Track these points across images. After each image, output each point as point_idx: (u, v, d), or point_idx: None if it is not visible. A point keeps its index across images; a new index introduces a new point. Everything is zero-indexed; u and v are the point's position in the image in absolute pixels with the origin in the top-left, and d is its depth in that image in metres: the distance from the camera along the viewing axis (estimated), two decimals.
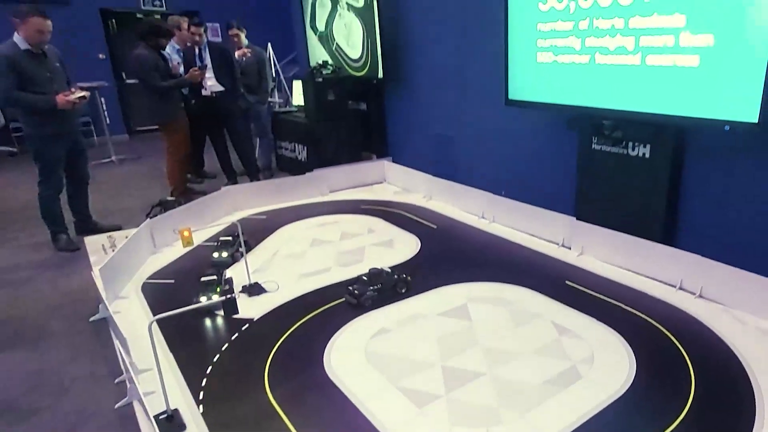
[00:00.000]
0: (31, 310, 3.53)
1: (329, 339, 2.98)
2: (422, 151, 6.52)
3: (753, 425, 2.19)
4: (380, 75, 6.58)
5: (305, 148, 6.90)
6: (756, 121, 2.86)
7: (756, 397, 2.36)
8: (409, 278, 3.53)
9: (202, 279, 3.51)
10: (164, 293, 3.64)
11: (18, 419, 2.43)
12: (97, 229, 4.93)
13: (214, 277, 3.52)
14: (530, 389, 2.48)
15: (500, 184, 5.08)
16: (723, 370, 2.58)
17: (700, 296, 3.27)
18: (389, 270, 3.52)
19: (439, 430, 2.24)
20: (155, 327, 3.08)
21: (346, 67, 7.25)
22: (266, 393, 2.51)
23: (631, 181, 3.81)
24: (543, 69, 4.17)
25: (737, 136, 3.17)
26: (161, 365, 2.22)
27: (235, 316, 3.13)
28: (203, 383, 2.60)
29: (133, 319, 3.26)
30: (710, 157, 3.45)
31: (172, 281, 3.84)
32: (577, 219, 4.10)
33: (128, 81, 10.52)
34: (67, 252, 4.53)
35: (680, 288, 3.38)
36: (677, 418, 2.25)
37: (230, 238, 4.22)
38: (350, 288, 3.40)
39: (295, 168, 6.99)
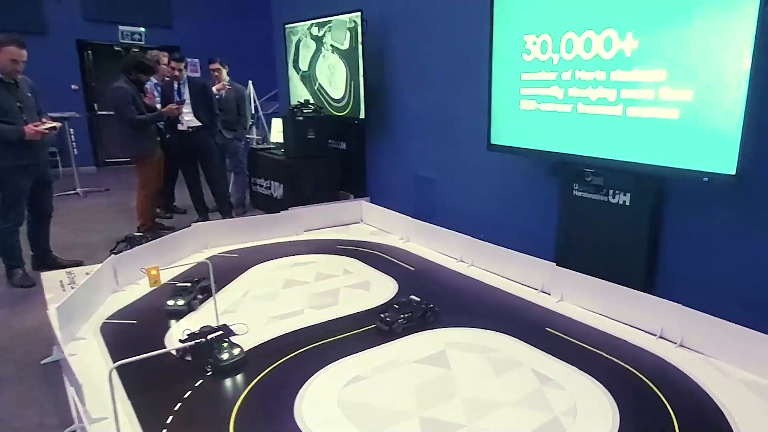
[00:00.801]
0: None
1: (300, 387, 2.87)
2: (401, 192, 6.57)
3: None
4: (362, 116, 6.68)
5: (281, 185, 6.87)
6: (734, 173, 2.96)
7: None
8: (437, 309, 3.64)
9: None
10: (125, 335, 3.49)
11: None
12: (56, 265, 4.75)
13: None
14: None
15: (480, 228, 5.11)
16: (707, 422, 2.56)
17: (681, 345, 3.29)
18: (418, 299, 3.69)
19: None
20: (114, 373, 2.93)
21: (328, 106, 7.34)
22: None
23: (612, 229, 3.88)
24: (526, 116, 4.29)
25: (715, 187, 3.28)
26: (118, 414, 2.09)
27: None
28: None
29: (90, 363, 3.09)
30: (690, 207, 3.55)
31: (134, 321, 3.69)
32: (557, 265, 4.13)
33: (100, 112, 10.45)
34: (21, 288, 4.34)
35: (660, 337, 3.39)
36: None
37: (188, 284, 3.96)
38: (382, 315, 3.51)
39: (270, 205, 6.94)
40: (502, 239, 4.74)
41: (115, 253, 4.43)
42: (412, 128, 6.29)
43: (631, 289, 3.62)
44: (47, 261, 4.73)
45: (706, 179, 3.12)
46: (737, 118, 2.93)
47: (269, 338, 3.43)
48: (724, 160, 3.04)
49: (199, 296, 3.94)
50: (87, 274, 4.55)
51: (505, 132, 4.54)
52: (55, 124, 4.53)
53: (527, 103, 4.29)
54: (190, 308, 3.84)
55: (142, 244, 4.79)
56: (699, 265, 3.55)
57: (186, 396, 2.76)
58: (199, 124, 6.34)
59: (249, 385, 2.88)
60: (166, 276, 4.20)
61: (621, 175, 3.71)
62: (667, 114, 3.30)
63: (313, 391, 2.83)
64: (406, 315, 3.52)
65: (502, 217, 5.10)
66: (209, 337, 3.12)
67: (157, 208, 6.47)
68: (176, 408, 2.66)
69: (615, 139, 3.64)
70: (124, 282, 4.32)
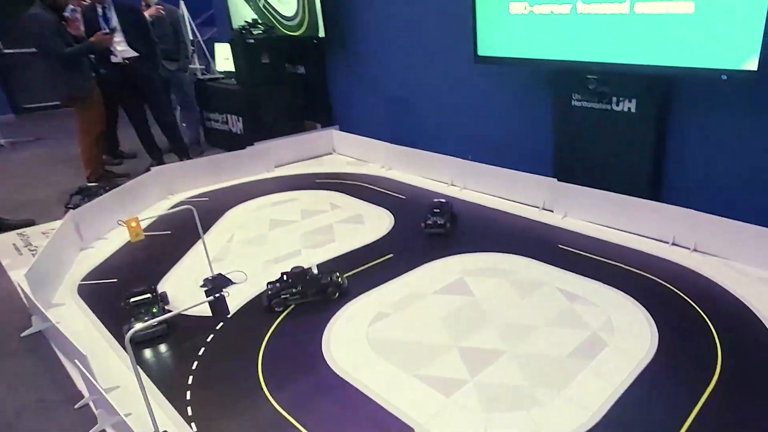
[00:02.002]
0: None
1: (322, 331, 2.77)
2: (375, 117, 6.31)
3: None
4: (321, 34, 6.24)
5: (240, 119, 6.45)
6: (756, 68, 2.93)
7: None
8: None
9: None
10: (108, 296, 3.24)
11: None
12: (4, 227, 4.32)
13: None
14: (558, 363, 2.43)
15: (468, 149, 5.00)
16: (737, 320, 2.66)
17: (696, 250, 3.38)
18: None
19: (476, 417, 2.13)
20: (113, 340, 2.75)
21: (279, 26, 6.82)
22: (269, 400, 2.27)
23: (615, 138, 3.86)
24: (517, 21, 4.09)
25: (729, 87, 3.26)
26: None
27: (204, 314, 2.83)
28: (188, 396, 2.31)
29: (77, 330, 2.85)
30: (698, 110, 3.54)
31: (115, 280, 3.43)
32: (558, 180, 4.11)
33: (7, 51, 9.35)
34: None
35: (674, 244, 3.48)
36: (715, 370, 2.30)
37: (148, 296, 2.94)
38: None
39: (229, 142, 6.54)
40: (494, 159, 4.66)
41: (72, 208, 4.05)
42: (380, 44, 5.93)
43: (638, 198, 3.66)
44: None
45: (725, 77, 3.08)
46: (760, 7, 2.85)
47: None
48: (744, 56, 2.99)
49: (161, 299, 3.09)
50: (43, 234, 4.22)
51: (493, 41, 4.34)
52: None
53: (517, 6, 4.07)
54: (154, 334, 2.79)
55: (99, 195, 4.41)
56: (706, 170, 3.61)
57: (200, 353, 2.61)
58: (136, 54, 5.74)
59: (266, 335, 2.75)
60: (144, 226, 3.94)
61: (628, 80, 3.64)
62: (680, 8, 3.19)
63: (337, 334, 2.74)
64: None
65: (492, 135, 4.99)
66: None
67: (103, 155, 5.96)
68: (193, 367, 2.51)
69: (621, 41, 3.53)
70: (91, 237, 4.00)
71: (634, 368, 2.36)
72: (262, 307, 2.95)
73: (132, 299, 2.86)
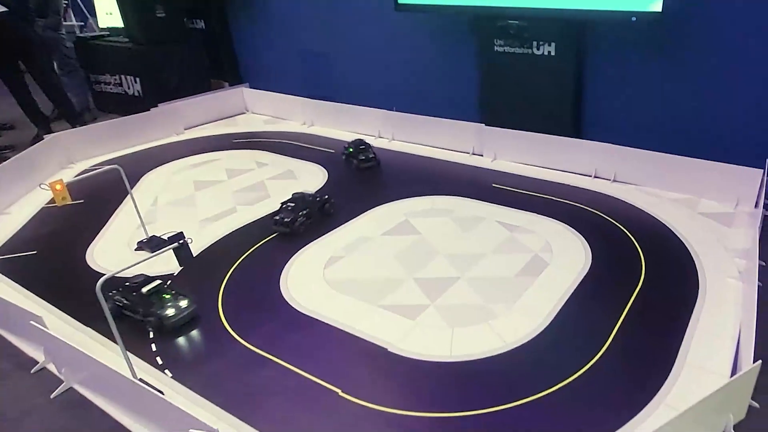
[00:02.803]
0: None
1: (278, 278, 2.97)
2: (289, 72, 6.39)
3: (694, 265, 2.83)
4: None
5: (137, 79, 6.26)
6: (660, 10, 3.44)
7: (687, 246, 3.05)
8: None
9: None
10: (31, 268, 3.21)
11: None
12: None
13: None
14: (507, 282, 2.82)
15: (391, 101, 5.28)
16: (652, 232, 3.21)
17: (615, 180, 3.93)
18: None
19: (442, 333, 2.46)
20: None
21: None
22: (238, 341, 2.46)
23: (537, 81, 4.30)
24: None
25: (639, 29, 3.77)
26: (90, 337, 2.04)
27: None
28: (153, 348, 2.44)
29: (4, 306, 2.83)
30: (613, 51, 4.05)
31: (35, 252, 3.38)
32: (485, 125, 4.51)
33: None
34: None
35: (596, 176, 4.01)
36: (640, 274, 2.80)
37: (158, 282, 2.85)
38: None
39: (126, 106, 6.30)
40: (420, 109, 4.98)
41: None
42: None
43: (562, 137, 4.15)
44: None
45: (634, 19, 3.58)
46: None
47: (214, 240, 3.41)
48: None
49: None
50: None
51: None
52: None
53: None
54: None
55: None
56: (621, 106, 4.15)
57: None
58: (5, 8, 5.38)
59: (220, 286, 2.91)
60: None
61: (546, 23, 4.06)
62: None
63: (294, 279, 2.95)
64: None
65: (417, 84, 5.29)
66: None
67: None
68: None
69: None
70: None
71: (573, 280, 2.80)
72: (283, 236, 3.38)
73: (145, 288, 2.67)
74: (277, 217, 3.40)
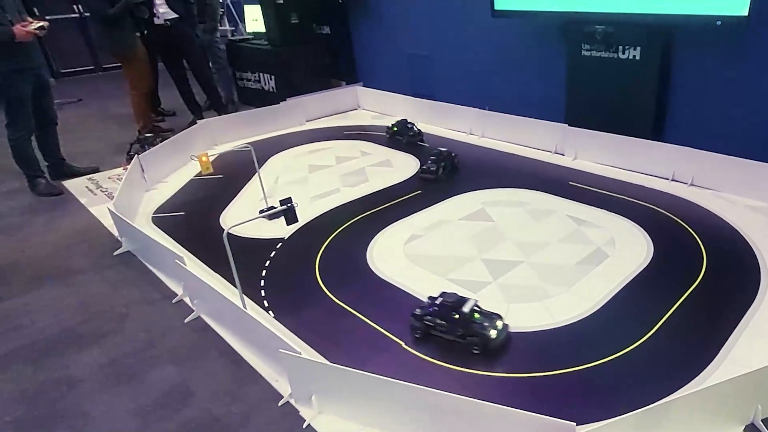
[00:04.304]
0: (40, 252, 3.51)
1: (366, 248, 3.21)
2: (395, 73, 6.61)
3: (759, 270, 2.68)
4: None
5: (272, 77, 6.80)
6: (746, 14, 3.22)
7: (755, 251, 2.88)
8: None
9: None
10: (179, 225, 3.71)
11: (87, 343, 2.54)
12: (73, 172, 4.79)
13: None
14: (567, 269, 2.85)
15: (485, 100, 5.33)
16: (724, 238, 3.05)
17: (692, 184, 3.74)
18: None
19: (499, 306, 2.56)
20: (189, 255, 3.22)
21: None
22: (329, 296, 2.74)
23: (622, 84, 4.16)
24: None
25: (724, 32, 3.55)
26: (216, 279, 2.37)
27: (267, 236, 3.31)
28: (262, 294, 2.79)
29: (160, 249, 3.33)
30: (697, 55, 3.83)
31: (183, 213, 3.90)
32: (569, 126, 4.45)
33: (49, 17, 9.67)
34: (49, 196, 4.41)
35: (673, 179, 3.84)
36: (700, 272, 2.71)
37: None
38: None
39: (261, 99, 6.89)
40: (510, 108, 4.99)
41: (134, 155, 4.48)
42: (400, 4, 6.19)
43: (641, 139, 4.01)
44: (64, 170, 4.75)
45: (719, 23, 3.37)
46: None
47: (319, 213, 3.72)
48: (736, 3, 3.28)
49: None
50: (109, 178, 4.69)
51: None
52: (43, 23, 4.33)
53: None
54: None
55: (155, 144, 4.84)
56: (704, 110, 3.91)
57: (267, 264, 3.08)
58: (176, 15, 6.07)
59: (318, 252, 3.21)
60: (196, 169, 4.37)
61: (632, 28, 3.92)
62: None
63: (378, 250, 3.19)
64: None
65: (508, 86, 5.29)
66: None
67: None
68: (263, 274, 2.98)
69: None
70: (153, 181, 4.45)
71: (631, 272, 2.77)
72: (427, 180, 4.15)
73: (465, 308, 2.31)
74: (425, 167, 4.18)
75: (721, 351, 2.21)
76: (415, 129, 5.06)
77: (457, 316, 2.28)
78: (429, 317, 2.34)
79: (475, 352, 2.25)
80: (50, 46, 9.86)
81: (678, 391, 2.00)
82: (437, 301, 2.36)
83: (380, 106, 6.40)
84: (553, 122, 4.57)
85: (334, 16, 7.13)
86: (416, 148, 4.94)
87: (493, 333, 2.24)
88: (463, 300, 2.35)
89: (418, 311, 2.37)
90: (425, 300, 2.49)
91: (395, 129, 5.25)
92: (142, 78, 5.70)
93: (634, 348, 2.26)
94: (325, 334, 2.46)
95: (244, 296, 2.48)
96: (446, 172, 4.22)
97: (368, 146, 5.16)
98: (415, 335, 2.37)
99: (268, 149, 5.23)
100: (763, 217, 3.24)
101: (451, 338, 2.31)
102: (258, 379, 2.22)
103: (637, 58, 4.02)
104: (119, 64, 5.82)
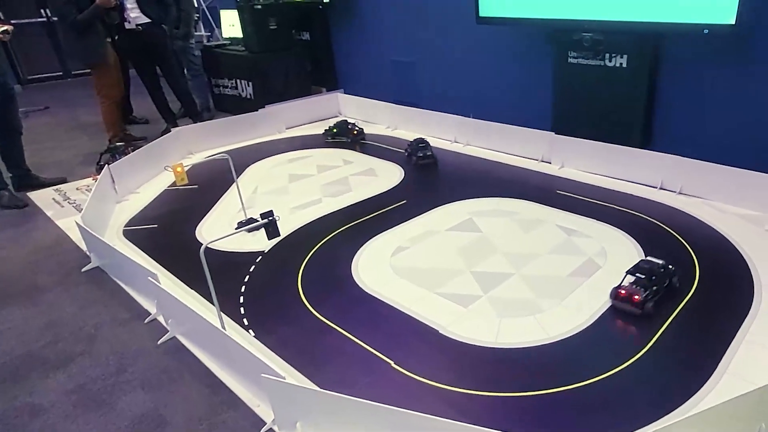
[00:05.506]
0: (5, 269, 3.34)
1: (350, 261, 3.13)
2: (377, 80, 6.57)
3: (752, 280, 2.67)
4: None
5: (250, 83, 6.70)
6: (733, 22, 3.25)
7: (747, 261, 2.88)
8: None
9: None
10: (151, 238, 3.58)
11: (52, 368, 2.40)
12: (39, 184, 4.62)
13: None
14: (559, 281, 2.81)
15: (469, 108, 5.30)
16: (714, 247, 3.05)
17: (681, 192, 3.75)
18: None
19: (490, 320, 2.51)
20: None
21: None
22: (311, 312, 2.65)
23: (609, 92, 4.17)
24: None
25: (711, 41, 3.58)
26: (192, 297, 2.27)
27: (246, 250, 3.21)
28: (242, 311, 2.69)
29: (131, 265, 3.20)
30: (685, 64, 3.86)
31: (155, 225, 3.77)
32: (555, 134, 4.44)
33: (15, 21, 9.43)
34: (13, 209, 4.23)
35: (661, 188, 3.85)
36: (693, 282, 2.69)
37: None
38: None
39: (239, 106, 6.77)
40: (495, 116, 4.98)
41: (107, 165, 4.33)
42: (382, 10, 6.16)
43: (629, 148, 4.01)
44: (29, 181, 4.58)
45: (706, 31, 3.40)
46: None
47: (301, 225, 3.63)
48: (723, 12, 3.31)
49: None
50: (77, 189, 4.53)
51: (494, 2, 4.60)
52: (7, 27, 4.19)
53: None
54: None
55: (126, 154, 4.71)
56: (692, 118, 3.94)
57: (246, 280, 2.97)
58: (148, 20, 5.94)
59: (301, 265, 3.11)
60: (170, 179, 4.25)
61: (619, 36, 3.94)
62: None
63: (364, 263, 3.11)
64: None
65: (493, 93, 5.28)
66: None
67: None
68: (242, 290, 2.88)
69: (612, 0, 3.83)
70: (124, 191, 4.31)
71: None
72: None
73: None
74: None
75: (719, 365, 2.17)
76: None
77: (654, 277, 2.53)
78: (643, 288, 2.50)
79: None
80: (16, 52, 9.64)
81: (677, 410, 1.96)
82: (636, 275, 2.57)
83: (362, 113, 6.35)
84: (539, 130, 4.56)
85: (314, 21, 7.07)
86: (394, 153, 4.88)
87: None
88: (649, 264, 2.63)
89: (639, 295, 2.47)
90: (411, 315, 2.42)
91: (335, 130, 5.53)
92: (113, 86, 5.55)
93: (630, 364, 2.21)
94: (310, 354, 2.36)
95: (223, 315, 2.38)
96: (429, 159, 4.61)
97: (351, 155, 5.09)
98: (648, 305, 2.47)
99: (245, 158, 5.13)
100: (754, 226, 3.25)
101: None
102: (238, 404, 2.12)
103: (624, 65, 4.04)
104: (89, 71, 5.64)
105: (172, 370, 2.33)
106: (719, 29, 3.35)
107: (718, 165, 3.57)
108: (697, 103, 3.87)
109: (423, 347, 2.38)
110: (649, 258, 2.75)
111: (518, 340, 2.39)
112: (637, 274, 2.58)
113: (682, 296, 2.61)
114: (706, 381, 2.10)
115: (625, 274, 2.61)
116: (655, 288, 2.52)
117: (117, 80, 5.70)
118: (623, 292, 2.53)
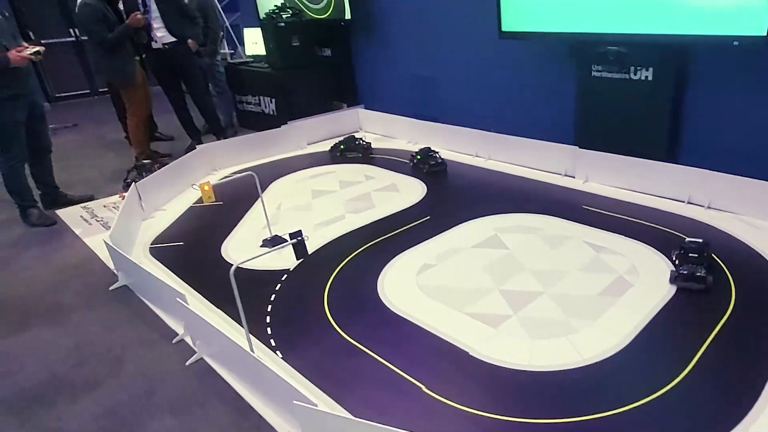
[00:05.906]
0: (30, 288, 3.35)
1: (376, 280, 3.07)
2: (397, 95, 6.54)
3: None
4: (347, 16, 6.46)
5: (273, 100, 6.73)
6: (764, 33, 3.15)
7: None
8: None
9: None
10: (178, 256, 3.57)
11: (80, 392, 2.37)
12: (67, 201, 4.66)
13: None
14: (590, 300, 2.72)
15: (490, 122, 5.24)
16: (749, 265, 2.93)
17: (710, 207, 3.63)
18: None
19: (521, 342, 2.43)
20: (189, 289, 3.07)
21: (306, 10, 7.04)
22: (339, 333, 2.59)
23: (634, 105, 4.08)
24: None
25: (739, 53, 3.48)
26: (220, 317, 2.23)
27: (271, 268, 3.18)
28: (269, 332, 2.64)
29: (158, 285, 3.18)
30: (712, 77, 3.76)
31: (181, 243, 3.75)
32: (579, 147, 4.35)
33: (44, 41, 9.64)
34: (41, 227, 4.26)
35: (689, 202, 3.73)
36: (729, 304, 2.57)
37: None
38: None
39: (262, 122, 6.80)
40: (517, 130, 4.90)
41: (135, 182, 4.34)
42: (403, 25, 6.15)
43: (655, 161, 3.91)
44: (58, 198, 4.62)
45: (736, 43, 3.30)
46: None
47: (324, 242, 3.59)
48: (754, 22, 3.21)
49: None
50: (105, 207, 4.55)
51: (517, 17, 4.55)
52: (38, 48, 4.24)
53: None
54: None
55: (153, 171, 4.72)
56: (720, 131, 3.83)
57: (272, 298, 2.93)
58: (174, 39, 6.00)
59: (326, 284, 3.07)
60: (196, 195, 4.23)
61: (644, 49, 3.86)
62: None
63: (390, 282, 3.05)
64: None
65: (515, 107, 5.21)
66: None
67: None
68: (269, 309, 2.83)
69: (638, 12, 3.74)
70: (150, 209, 4.32)
71: (657, 302, 2.64)
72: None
73: None
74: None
75: (764, 390, 2.06)
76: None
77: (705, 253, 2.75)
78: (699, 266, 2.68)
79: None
80: (45, 70, 9.84)
81: None
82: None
83: (383, 129, 6.32)
84: (562, 144, 4.48)
85: (335, 38, 7.09)
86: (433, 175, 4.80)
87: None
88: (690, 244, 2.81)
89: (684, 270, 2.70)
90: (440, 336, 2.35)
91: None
92: (140, 105, 5.61)
93: (669, 389, 2.11)
94: (339, 377, 2.31)
95: (251, 336, 2.33)
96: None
97: (372, 170, 5.05)
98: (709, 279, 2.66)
99: (269, 174, 5.11)
100: None
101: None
102: (267, 429, 2.06)
103: (650, 78, 3.95)
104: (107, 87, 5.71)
105: (201, 394, 2.29)
106: (750, 41, 3.26)
107: (748, 179, 3.45)
108: (726, 116, 3.77)
109: (453, 370, 2.31)
110: (688, 239, 2.93)
111: (552, 363, 2.30)
112: (690, 254, 2.80)
113: (719, 316, 2.50)
114: (751, 408, 1.99)
115: (674, 257, 2.92)
116: (706, 264, 2.75)
117: (145, 98, 5.76)
118: (686, 271, 2.71)
